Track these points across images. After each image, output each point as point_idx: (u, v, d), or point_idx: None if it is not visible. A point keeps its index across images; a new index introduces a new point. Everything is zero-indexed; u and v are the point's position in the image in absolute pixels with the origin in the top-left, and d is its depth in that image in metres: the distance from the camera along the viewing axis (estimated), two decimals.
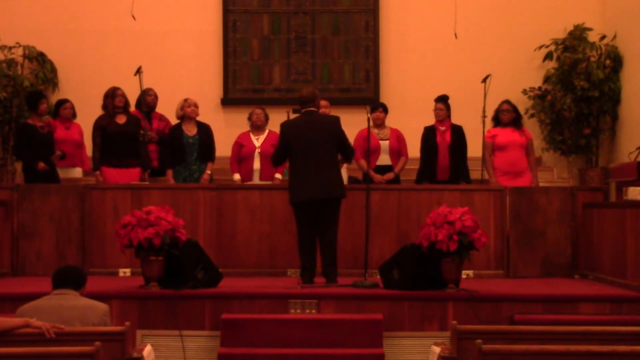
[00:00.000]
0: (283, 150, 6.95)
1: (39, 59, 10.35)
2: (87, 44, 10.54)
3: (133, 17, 9.78)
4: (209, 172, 8.48)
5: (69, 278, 4.99)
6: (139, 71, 8.27)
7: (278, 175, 8.48)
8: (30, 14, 10.54)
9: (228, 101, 10.61)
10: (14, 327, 4.59)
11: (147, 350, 5.16)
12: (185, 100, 8.59)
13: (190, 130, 8.47)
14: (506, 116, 8.46)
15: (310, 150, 6.84)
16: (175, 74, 10.45)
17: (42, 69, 10.33)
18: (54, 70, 10.43)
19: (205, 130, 8.54)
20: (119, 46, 10.50)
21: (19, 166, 10.02)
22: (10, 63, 10.15)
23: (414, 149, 8.73)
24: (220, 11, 10.71)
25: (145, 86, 8.46)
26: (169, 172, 8.44)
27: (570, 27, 10.33)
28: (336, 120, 7.07)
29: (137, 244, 6.35)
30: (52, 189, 7.80)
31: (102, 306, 4.94)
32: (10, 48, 10.17)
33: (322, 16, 10.75)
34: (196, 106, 8.58)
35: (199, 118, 8.65)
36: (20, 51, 10.26)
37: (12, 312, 5.06)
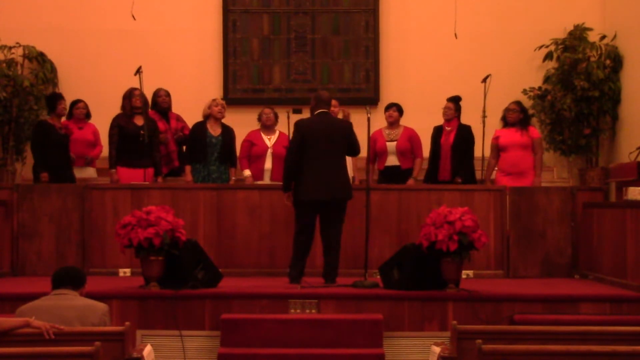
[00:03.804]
0: (299, 147, 6.86)
1: (39, 59, 10.35)
2: (87, 44, 10.54)
3: (133, 17, 9.77)
4: (234, 178, 8.49)
5: (68, 278, 5.00)
6: (139, 71, 8.26)
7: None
8: (30, 14, 10.53)
9: (228, 101, 10.54)
10: (14, 327, 4.59)
11: (147, 350, 5.16)
12: (214, 100, 8.60)
13: (215, 130, 8.46)
14: (512, 116, 8.46)
15: (322, 150, 6.85)
16: (175, 74, 10.44)
17: (42, 69, 10.33)
18: (54, 70, 10.43)
19: (228, 133, 8.53)
20: (119, 46, 10.50)
21: (19, 166, 10.03)
22: (10, 63, 10.14)
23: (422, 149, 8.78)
24: (220, 11, 10.71)
25: (145, 86, 8.44)
26: (188, 168, 8.44)
27: (570, 27, 10.32)
28: (350, 126, 7.12)
29: (137, 244, 6.34)
30: (52, 189, 7.79)
31: (101, 306, 4.94)
32: (10, 48, 10.16)
33: (322, 16, 10.75)
34: (224, 107, 8.60)
35: None
36: (20, 51, 10.25)
37: (12, 312, 5.06)
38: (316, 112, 7.05)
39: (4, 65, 10.06)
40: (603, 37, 10.24)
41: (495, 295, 6.40)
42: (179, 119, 9.10)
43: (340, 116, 8.54)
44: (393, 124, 8.70)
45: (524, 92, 10.30)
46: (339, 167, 6.95)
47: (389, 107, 8.79)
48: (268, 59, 10.74)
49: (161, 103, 8.88)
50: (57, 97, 8.72)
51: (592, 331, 4.90)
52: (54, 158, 8.34)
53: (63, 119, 8.83)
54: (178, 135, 8.90)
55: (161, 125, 8.77)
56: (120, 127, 8.37)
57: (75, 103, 9.11)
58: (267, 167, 8.49)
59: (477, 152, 8.63)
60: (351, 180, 8.52)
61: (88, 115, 9.11)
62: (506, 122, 8.51)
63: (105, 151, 8.87)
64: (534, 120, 10.24)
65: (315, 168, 6.82)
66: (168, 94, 9.02)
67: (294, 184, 6.94)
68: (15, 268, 7.67)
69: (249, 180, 8.42)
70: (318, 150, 6.84)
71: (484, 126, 8.53)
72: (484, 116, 8.54)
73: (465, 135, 8.53)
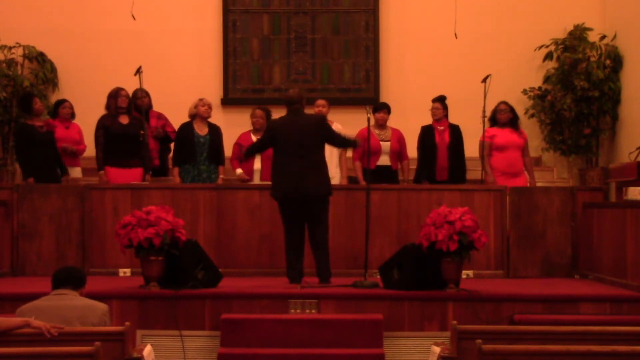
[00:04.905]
0: (262, 145, 7.11)
1: (39, 59, 10.36)
2: (87, 44, 10.54)
3: (133, 17, 9.76)
4: (222, 177, 8.50)
5: (69, 278, 5.00)
6: (139, 71, 8.26)
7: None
8: (30, 14, 10.53)
9: (228, 101, 10.60)
10: (14, 327, 4.59)
11: (147, 350, 5.16)
12: (201, 99, 8.59)
13: (202, 129, 8.47)
14: (504, 116, 8.47)
15: (294, 149, 6.86)
16: (175, 74, 10.45)
17: (42, 69, 10.33)
18: (54, 70, 10.43)
19: (216, 132, 8.55)
20: (119, 46, 10.50)
21: (19, 166, 10.02)
22: (10, 63, 10.14)
23: (414, 149, 8.75)
24: (220, 11, 10.71)
25: (145, 86, 8.45)
26: (176, 170, 8.44)
27: (570, 27, 10.33)
28: (322, 119, 7.22)
29: (137, 244, 6.34)
30: (52, 189, 7.79)
31: (101, 306, 4.94)
32: (10, 48, 10.17)
33: (322, 16, 10.75)
34: (210, 107, 8.60)
35: None
36: (20, 51, 10.26)
37: (12, 312, 5.07)
38: (287, 111, 7.08)
39: (4, 65, 10.07)
40: (603, 37, 10.24)
41: (495, 295, 6.40)
42: (159, 117, 9.03)
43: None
44: (383, 125, 8.68)
45: (524, 92, 10.31)
46: (313, 163, 6.90)
47: (379, 108, 8.70)
48: (268, 59, 10.74)
49: (139, 105, 8.71)
50: (30, 97, 8.63)
51: (592, 331, 4.90)
52: (43, 158, 8.31)
53: (43, 117, 8.81)
54: (158, 132, 8.86)
55: (146, 125, 8.74)
56: (105, 127, 8.36)
57: (60, 102, 9.08)
58: (256, 167, 8.50)
59: (477, 152, 8.62)
60: (339, 180, 8.54)
61: (73, 115, 9.10)
62: (496, 122, 8.52)
63: (90, 151, 8.86)
64: (534, 120, 10.26)
65: (287, 166, 6.85)
66: (147, 94, 8.90)
67: (272, 184, 7.04)
68: (15, 268, 7.66)
69: (242, 176, 8.46)
70: (289, 149, 6.86)
71: (484, 126, 8.52)
72: (484, 116, 8.54)
73: (457, 135, 8.56)
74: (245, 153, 7.33)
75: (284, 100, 7.15)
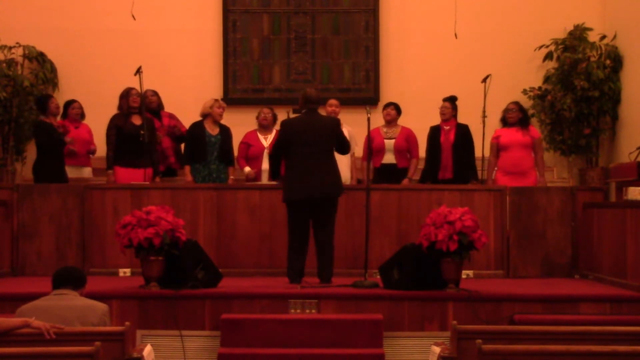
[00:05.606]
0: (281, 147, 6.99)
1: (39, 59, 10.34)
2: (87, 44, 10.53)
3: (133, 17, 9.77)
4: (232, 177, 8.50)
5: (69, 278, 5.01)
6: (139, 71, 8.26)
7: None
8: (30, 14, 10.53)
9: (228, 101, 10.52)
10: (14, 327, 4.59)
11: (147, 350, 5.16)
12: (216, 100, 8.60)
13: (213, 129, 8.47)
14: (512, 116, 8.47)
15: (309, 149, 6.86)
16: (175, 74, 10.44)
17: (42, 69, 10.32)
18: (54, 70, 10.42)
19: (226, 132, 8.55)
20: (119, 46, 10.49)
21: (19, 166, 10.03)
22: (10, 63, 10.13)
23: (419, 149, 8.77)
24: (220, 11, 10.70)
25: (145, 86, 8.45)
26: (187, 168, 8.44)
27: (570, 27, 10.32)
28: (337, 123, 7.21)
29: (137, 244, 6.34)
30: (52, 189, 7.79)
31: (101, 306, 4.94)
32: (10, 48, 10.16)
33: (322, 16, 10.75)
34: (224, 109, 8.61)
35: None
36: (20, 51, 10.25)
37: (12, 312, 5.07)
38: (303, 111, 7.07)
39: (4, 65, 10.06)
40: (603, 37, 10.24)
41: (495, 295, 6.40)
42: (171, 117, 9.08)
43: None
44: (390, 122, 8.72)
45: (524, 92, 10.30)
46: (328, 165, 6.92)
47: (386, 105, 8.85)
48: (268, 59, 10.74)
49: (148, 103, 8.75)
50: (47, 97, 8.73)
51: (592, 331, 4.91)
52: (56, 157, 8.34)
53: (58, 118, 8.84)
54: (172, 130, 8.87)
55: (157, 124, 8.75)
56: (118, 127, 8.36)
57: (70, 103, 9.12)
58: (264, 167, 8.50)
59: (478, 152, 8.63)
60: (349, 180, 8.57)
61: (82, 116, 9.12)
62: (506, 122, 8.53)
63: (100, 151, 8.87)
64: (534, 120, 10.25)
65: (301, 167, 6.85)
66: (155, 93, 8.96)
67: (282, 184, 7.01)
68: (15, 268, 7.67)
69: (251, 174, 8.45)
70: (303, 149, 6.86)
71: (484, 126, 8.54)
72: (484, 116, 8.54)
73: (465, 134, 8.55)
74: (270, 159, 7.30)
75: (302, 98, 7.10)
